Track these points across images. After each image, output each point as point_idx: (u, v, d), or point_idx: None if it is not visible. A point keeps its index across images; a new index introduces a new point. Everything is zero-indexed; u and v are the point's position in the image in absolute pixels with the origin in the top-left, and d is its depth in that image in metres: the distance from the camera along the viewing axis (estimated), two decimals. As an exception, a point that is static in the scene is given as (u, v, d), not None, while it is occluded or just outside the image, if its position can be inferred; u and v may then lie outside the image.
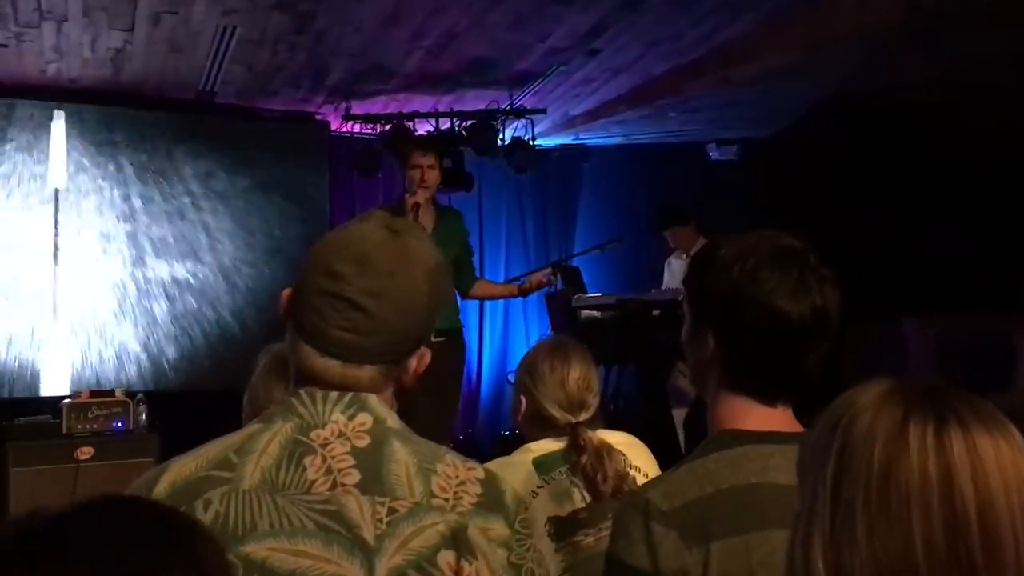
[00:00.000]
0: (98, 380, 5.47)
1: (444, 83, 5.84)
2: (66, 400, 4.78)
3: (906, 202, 5.94)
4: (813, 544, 0.88)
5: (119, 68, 5.38)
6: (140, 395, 4.96)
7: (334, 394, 1.15)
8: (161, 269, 5.88)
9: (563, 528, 1.90)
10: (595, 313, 5.36)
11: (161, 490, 1.09)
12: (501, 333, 7.34)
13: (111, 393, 4.90)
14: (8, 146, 5.54)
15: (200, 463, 1.11)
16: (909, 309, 5.56)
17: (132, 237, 5.83)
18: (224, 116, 6.19)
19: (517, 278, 5.28)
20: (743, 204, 6.35)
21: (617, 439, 2.04)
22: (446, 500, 1.12)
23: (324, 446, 1.12)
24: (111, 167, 5.83)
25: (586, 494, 1.93)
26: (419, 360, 1.22)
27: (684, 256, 5.34)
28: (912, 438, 0.87)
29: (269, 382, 1.89)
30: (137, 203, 5.87)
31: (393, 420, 1.18)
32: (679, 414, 5.35)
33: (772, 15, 4.68)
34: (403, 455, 1.14)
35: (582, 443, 1.92)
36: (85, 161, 5.76)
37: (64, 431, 4.58)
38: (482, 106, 6.17)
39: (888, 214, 6.03)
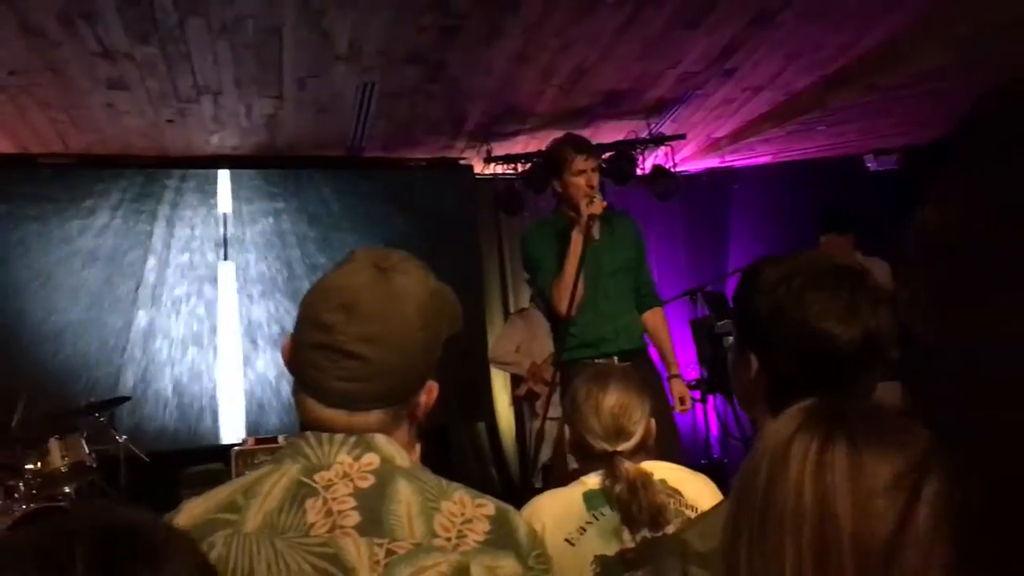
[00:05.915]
0: (264, 428, 5.78)
1: (581, 118, 5.84)
2: (235, 448, 5.08)
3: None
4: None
5: (273, 132, 5.73)
6: (301, 441, 5.16)
7: (340, 435, 1.14)
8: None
9: (609, 568, 1.80)
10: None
11: None
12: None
13: (274, 439, 5.16)
14: (185, 212, 6.01)
15: (209, 506, 1.13)
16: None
17: (294, 292, 6.15)
18: (374, 168, 6.45)
19: None
20: (905, 217, 5.91)
21: (675, 474, 1.92)
22: (448, 540, 1.09)
23: (327, 487, 1.11)
24: (274, 226, 6.20)
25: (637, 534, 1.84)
26: (428, 395, 1.21)
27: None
28: (793, 458, 0.78)
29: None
30: (298, 258, 6.21)
31: (402, 458, 1.15)
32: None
33: (920, 12, 4.39)
34: (407, 494, 1.12)
35: (618, 473, 1.84)
36: (250, 220, 6.16)
37: (234, 477, 4.82)
38: (621, 137, 6.13)
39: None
